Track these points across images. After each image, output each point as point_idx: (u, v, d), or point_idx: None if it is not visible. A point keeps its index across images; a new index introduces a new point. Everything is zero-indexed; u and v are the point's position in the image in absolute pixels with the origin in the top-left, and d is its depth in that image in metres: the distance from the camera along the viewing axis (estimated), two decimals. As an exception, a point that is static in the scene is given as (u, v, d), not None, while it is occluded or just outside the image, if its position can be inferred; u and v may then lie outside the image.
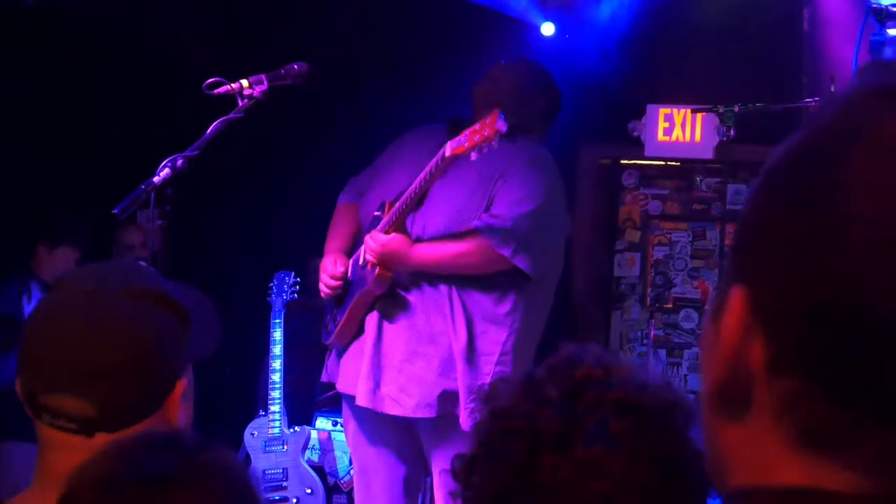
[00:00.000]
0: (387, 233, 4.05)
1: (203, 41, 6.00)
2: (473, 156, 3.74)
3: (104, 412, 1.60)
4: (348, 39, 6.43)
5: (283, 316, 5.65)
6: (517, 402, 1.37)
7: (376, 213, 4.22)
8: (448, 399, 4.05)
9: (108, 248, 5.90)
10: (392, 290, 4.13)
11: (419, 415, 4.06)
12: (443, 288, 4.08)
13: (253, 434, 5.68)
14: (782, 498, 0.78)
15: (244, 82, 3.57)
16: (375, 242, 4.04)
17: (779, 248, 0.77)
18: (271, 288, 5.70)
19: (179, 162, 3.33)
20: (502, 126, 3.67)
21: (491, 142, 3.71)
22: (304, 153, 6.35)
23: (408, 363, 4.08)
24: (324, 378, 4.52)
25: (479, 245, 4.02)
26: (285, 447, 5.66)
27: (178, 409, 1.67)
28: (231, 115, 3.52)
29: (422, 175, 3.94)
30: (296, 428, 5.74)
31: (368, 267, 4.10)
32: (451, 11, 6.46)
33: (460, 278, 4.08)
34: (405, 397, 4.07)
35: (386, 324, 4.15)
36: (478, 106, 4.28)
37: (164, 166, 3.31)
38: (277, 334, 5.64)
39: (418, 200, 4.02)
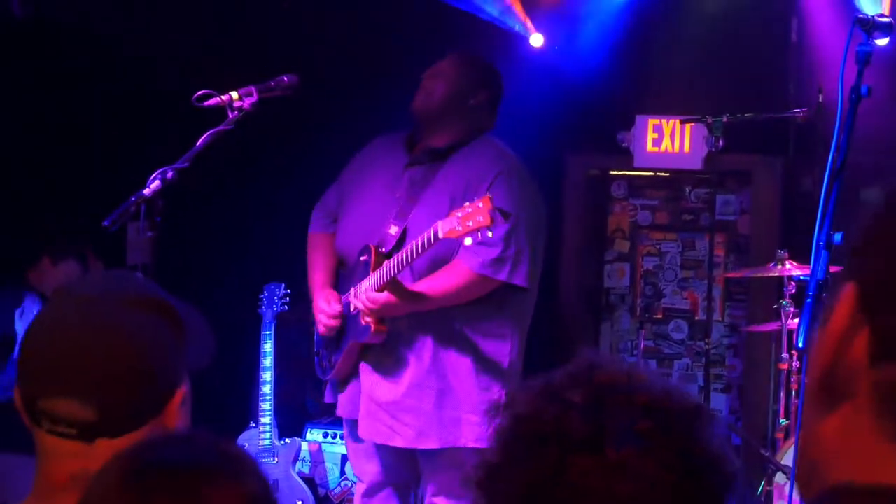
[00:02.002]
0: (380, 290, 4.05)
1: (192, 53, 6.01)
2: (468, 241, 3.74)
3: (105, 416, 1.60)
4: (337, 49, 6.44)
5: (273, 327, 5.65)
6: (540, 408, 1.37)
7: (362, 259, 4.20)
8: (447, 428, 4.07)
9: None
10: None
11: (419, 446, 4.10)
12: (437, 315, 4.09)
13: (243, 446, 5.67)
14: (882, 496, 0.78)
15: (234, 94, 3.58)
16: (373, 304, 4.04)
17: (887, 246, 0.81)
18: (262, 299, 5.70)
19: (170, 174, 3.34)
20: (498, 218, 3.68)
21: (485, 230, 3.70)
22: (294, 163, 6.34)
23: (406, 396, 4.11)
24: (328, 399, 4.53)
25: (475, 277, 4.04)
26: (276, 459, 5.65)
27: (177, 417, 1.67)
28: (221, 127, 3.52)
29: (412, 246, 3.92)
30: (286, 440, 5.74)
31: (363, 320, 4.10)
32: (440, 22, 6.48)
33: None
34: (405, 429, 4.09)
35: (382, 362, 4.17)
36: (420, 121, 4.28)
37: (155, 178, 3.32)
38: (268, 346, 5.64)
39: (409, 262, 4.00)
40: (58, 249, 5.66)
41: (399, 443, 4.13)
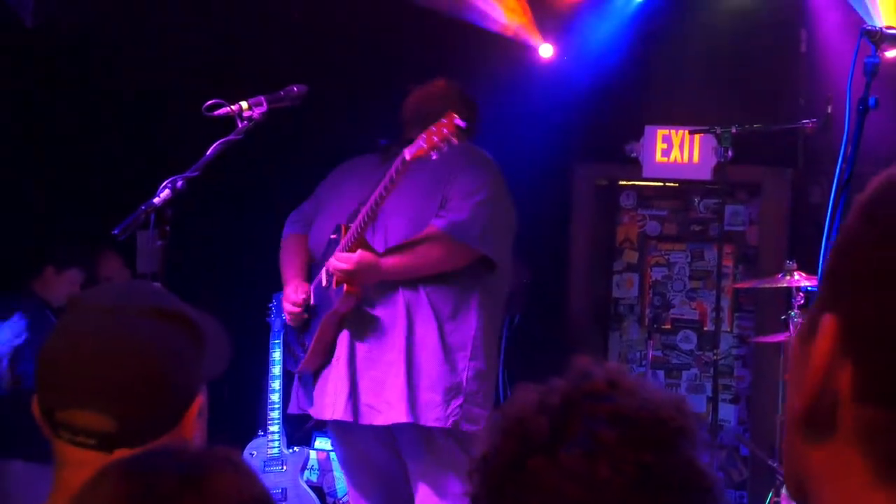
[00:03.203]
0: (351, 250, 4.07)
1: (202, 62, 6.03)
2: (434, 156, 3.79)
3: (124, 427, 1.62)
4: (346, 61, 6.46)
5: (282, 336, 5.66)
6: (523, 408, 1.39)
7: (332, 237, 4.23)
8: (424, 403, 4.07)
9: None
10: (358, 307, 4.16)
11: (397, 421, 4.08)
12: (407, 292, 4.11)
13: (252, 454, 5.68)
14: None
15: (244, 104, 3.59)
16: (346, 262, 4.05)
17: (873, 280, 0.78)
18: (271, 308, 5.71)
19: (179, 183, 3.35)
20: (461, 122, 3.74)
21: (450, 139, 3.75)
22: (303, 173, 6.36)
23: (382, 374, 4.11)
24: (292, 409, 4.52)
25: (444, 241, 4.07)
26: (284, 467, 5.66)
27: (194, 427, 1.68)
28: (231, 137, 3.54)
29: (380, 186, 3.96)
30: (295, 448, 5.75)
31: (335, 285, 4.12)
32: (450, 33, 6.49)
33: (424, 279, 4.11)
34: (383, 405, 4.09)
35: (356, 339, 4.18)
36: (407, 119, 4.33)
37: (164, 187, 3.33)
38: (277, 354, 5.65)
39: (376, 213, 4.04)
40: (61, 258, 5.67)
41: (380, 420, 4.12)
